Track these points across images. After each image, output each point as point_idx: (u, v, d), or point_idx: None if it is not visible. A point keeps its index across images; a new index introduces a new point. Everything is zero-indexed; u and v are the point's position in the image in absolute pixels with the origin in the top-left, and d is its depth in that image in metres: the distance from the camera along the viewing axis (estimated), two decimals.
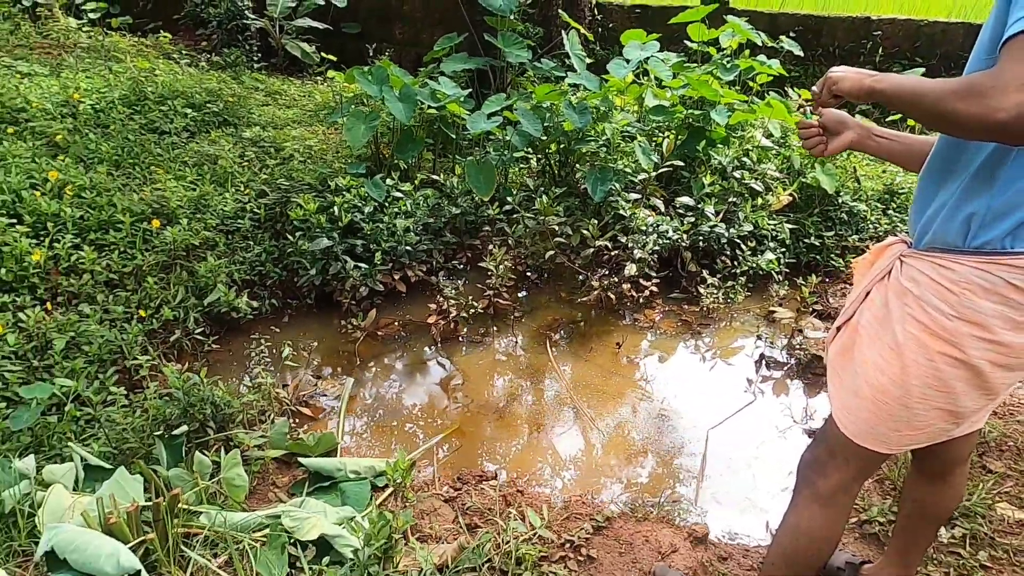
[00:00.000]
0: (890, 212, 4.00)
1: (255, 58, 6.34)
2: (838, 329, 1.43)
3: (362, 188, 3.44)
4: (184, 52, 6.14)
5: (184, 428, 2.18)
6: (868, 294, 1.37)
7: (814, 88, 1.41)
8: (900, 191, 4.10)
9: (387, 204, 3.53)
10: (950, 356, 1.21)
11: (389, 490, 2.22)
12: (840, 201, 3.94)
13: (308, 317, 3.33)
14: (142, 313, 2.80)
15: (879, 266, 1.37)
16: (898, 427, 1.31)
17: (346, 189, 3.45)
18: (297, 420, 2.60)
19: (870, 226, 3.89)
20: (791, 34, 5.80)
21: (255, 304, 3.14)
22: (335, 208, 3.33)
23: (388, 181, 3.60)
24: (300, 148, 4.09)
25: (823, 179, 3.84)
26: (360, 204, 3.41)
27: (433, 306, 3.24)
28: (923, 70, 4.90)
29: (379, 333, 3.22)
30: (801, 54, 5.30)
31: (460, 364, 3.07)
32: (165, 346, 2.86)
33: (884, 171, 4.31)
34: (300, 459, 2.23)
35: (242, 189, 3.58)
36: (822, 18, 6.31)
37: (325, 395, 2.77)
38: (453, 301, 3.14)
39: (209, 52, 6.82)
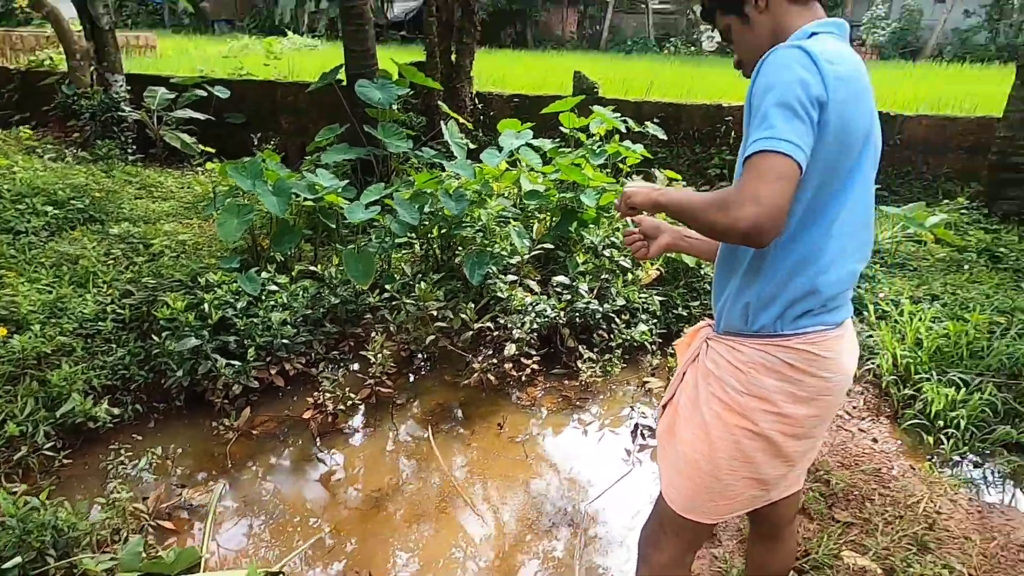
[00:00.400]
0: None
1: (130, 150, 6.19)
2: (663, 408, 1.54)
3: (235, 283, 3.38)
4: (49, 146, 5.91)
5: (17, 560, 1.99)
6: (684, 375, 1.50)
7: (617, 202, 1.57)
8: None
9: (263, 298, 3.48)
10: (747, 429, 1.34)
11: None
12: (702, 273, 4.24)
13: (177, 420, 3.17)
14: None
15: (692, 348, 1.50)
16: (714, 498, 1.41)
17: (218, 285, 3.38)
18: (157, 536, 2.44)
19: None
20: (655, 120, 6.32)
21: (116, 411, 2.97)
22: (205, 305, 3.24)
23: (264, 274, 3.56)
24: (172, 243, 3.99)
25: (685, 255, 4.13)
26: (233, 299, 3.34)
27: (311, 400, 3.17)
28: None
29: (254, 432, 3.11)
30: (665, 138, 5.79)
31: (340, 459, 2.99)
32: (8, 465, 2.63)
33: None
34: None
35: (105, 289, 3.43)
36: (681, 105, 6.93)
37: (191, 505, 2.62)
38: (330, 394, 3.09)
39: (80, 145, 6.61)
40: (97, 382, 3.03)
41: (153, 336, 3.18)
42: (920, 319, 3.65)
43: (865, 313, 3.92)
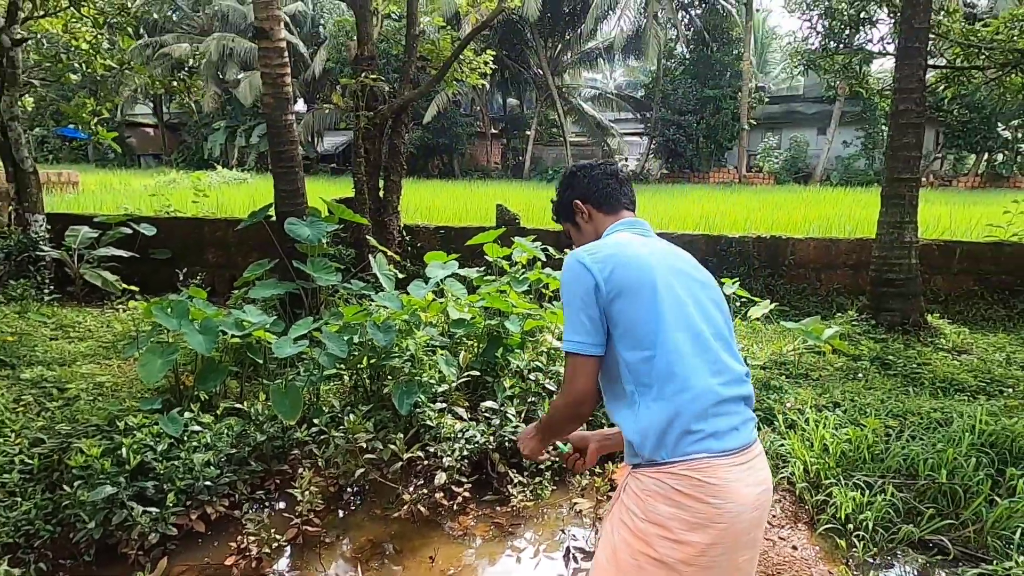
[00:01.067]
0: None
1: (47, 290, 6.06)
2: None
3: (155, 426, 3.31)
4: None
5: None
6: (614, 505, 1.64)
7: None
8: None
9: (185, 439, 3.40)
10: (646, 555, 1.47)
11: None
12: None
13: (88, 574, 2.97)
14: None
15: (622, 481, 1.65)
16: None
17: (138, 427, 3.30)
18: None
19: None
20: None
21: (16, 573, 2.77)
22: (123, 450, 3.15)
23: (187, 414, 3.50)
24: (88, 386, 3.89)
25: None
26: (153, 442, 3.26)
27: (233, 545, 3.05)
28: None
29: None
30: None
31: None
32: None
33: None
34: None
35: (12, 438, 3.28)
36: None
37: None
38: (253, 537, 3.00)
39: None
40: None
41: (63, 487, 3.04)
42: (824, 426, 3.91)
43: (776, 423, 4.17)
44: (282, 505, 3.56)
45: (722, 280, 6.11)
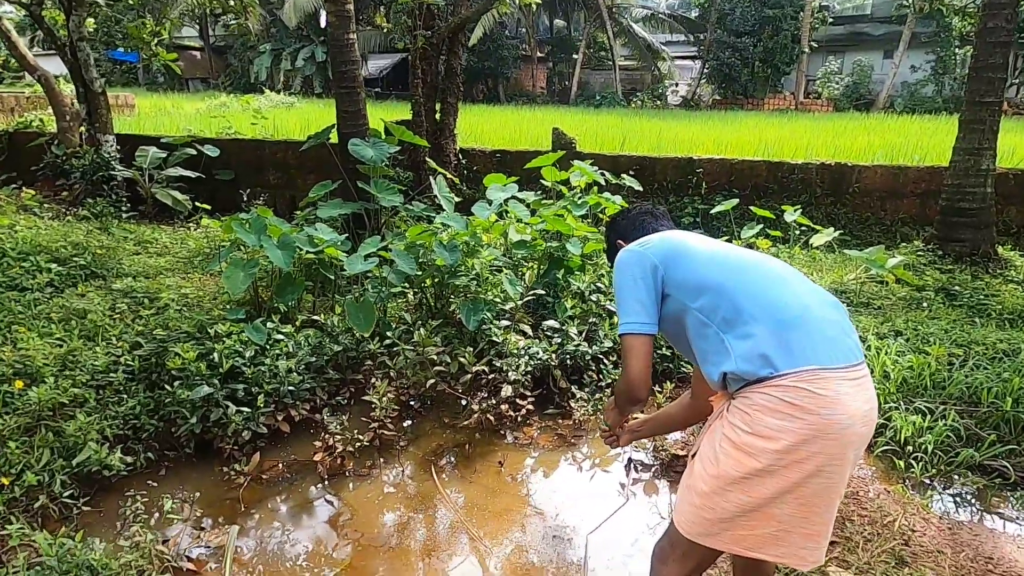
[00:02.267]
0: None
1: (123, 207, 6.33)
2: (691, 458, 1.77)
3: (243, 333, 3.53)
4: (46, 205, 6.04)
5: None
6: (711, 427, 1.73)
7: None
8: None
9: (268, 347, 3.62)
10: (752, 467, 1.56)
11: None
12: None
13: (187, 468, 3.26)
14: (3, 480, 2.66)
15: (719, 407, 1.74)
16: (720, 528, 1.62)
17: (226, 335, 3.52)
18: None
19: None
20: (631, 172, 6.69)
21: (129, 460, 3.06)
22: (215, 354, 3.38)
23: (269, 324, 3.71)
24: (176, 297, 4.12)
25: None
26: (241, 349, 3.48)
27: (319, 443, 3.30)
28: (736, 200, 5.83)
29: (263, 476, 3.21)
30: (640, 189, 6.13)
31: (348, 500, 3.11)
32: (28, 514, 2.71)
33: None
34: None
35: (114, 342, 3.55)
36: (655, 159, 7.33)
37: (208, 547, 2.71)
38: (339, 436, 3.23)
39: (70, 203, 6.74)
40: (110, 432, 3.13)
41: (164, 386, 3.30)
42: (886, 353, 3.92)
43: None
44: (358, 410, 3.79)
45: (783, 208, 6.01)
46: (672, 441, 3.51)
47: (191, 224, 6.40)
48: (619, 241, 2.04)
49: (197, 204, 6.43)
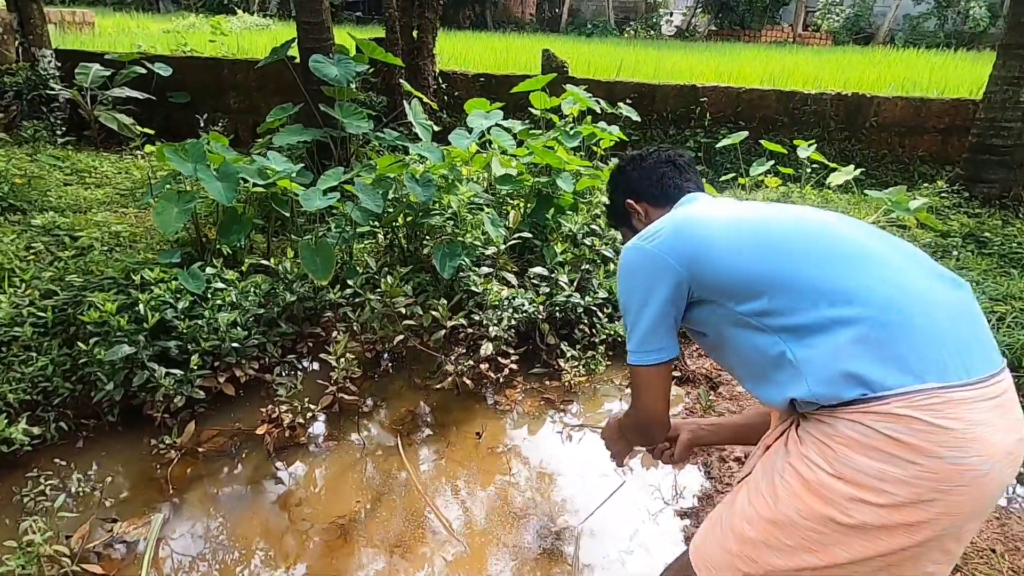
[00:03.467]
0: None
1: (59, 132, 5.63)
2: (739, 483, 1.30)
3: (175, 281, 2.99)
4: None
5: None
6: (767, 448, 1.25)
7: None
8: None
9: (208, 296, 3.10)
10: (828, 517, 1.08)
11: None
12: None
13: (109, 439, 2.79)
14: None
15: (779, 428, 1.25)
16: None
17: (155, 282, 2.98)
18: None
19: None
20: (627, 101, 6.06)
21: (36, 431, 2.57)
22: (140, 306, 2.85)
23: (209, 269, 3.17)
24: (103, 236, 3.56)
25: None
26: (172, 299, 2.95)
27: (265, 411, 2.82)
28: (745, 133, 5.26)
29: (200, 450, 2.74)
30: (639, 119, 5.53)
31: (300, 478, 2.66)
32: None
33: None
34: None
35: (23, 289, 3.00)
36: (655, 86, 6.68)
37: (125, 541, 2.26)
38: (286, 405, 2.75)
39: (7, 127, 6.01)
40: (13, 397, 2.63)
41: (79, 343, 2.78)
42: None
43: None
44: (316, 368, 3.32)
45: (795, 142, 5.45)
46: (678, 411, 3.08)
47: (137, 152, 5.73)
48: (629, 201, 1.56)
49: (145, 130, 5.74)
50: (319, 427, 2.96)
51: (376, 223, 3.87)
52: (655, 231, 1.31)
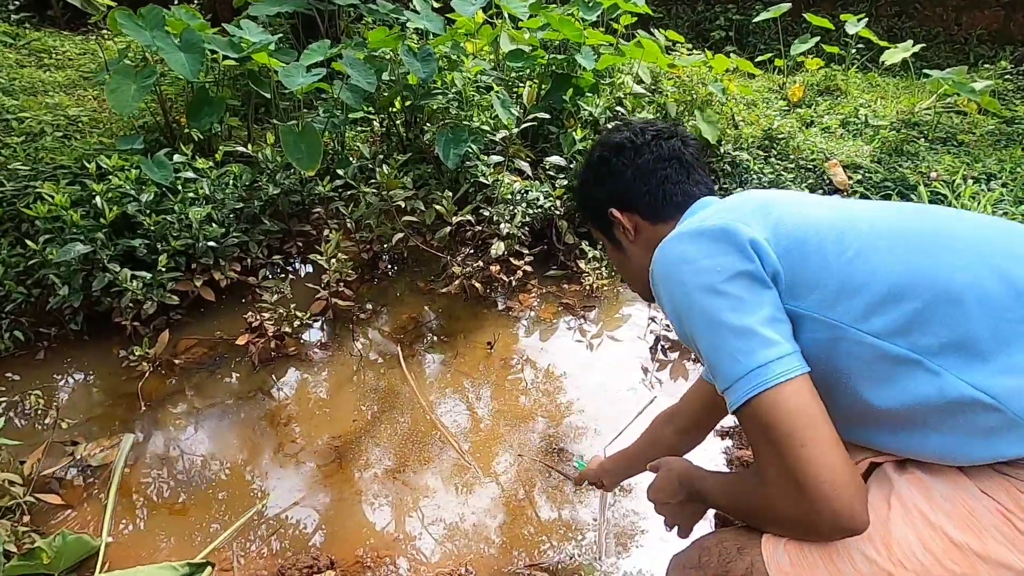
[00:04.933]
0: (771, 160, 3.67)
1: (11, 6, 5.02)
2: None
3: (135, 170, 2.58)
4: None
5: None
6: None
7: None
8: (779, 136, 3.79)
9: (179, 188, 2.69)
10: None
11: None
12: (722, 151, 3.55)
13: (74, 349, 2.47)
14: None
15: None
16: None
17: (114, 170, 2.57)
18: (40, 515, 1.81)
19: (753, 177, 3.54)
20: None
21: None
22: (97, 198, 2.45)
23: (177, 157, 2.75)
24: (59, 120, 3.11)
25: (704, 127, 3.42)
26: (135, 191, 2.55)
27: (248, 319, 2.49)
28: (788, 5, 4.62)
29: (176, 362, 2.43)
30: None
31: (290, 393, 2.36)
32: None
33: (761, 116, 3.98)
34: None
35: None
36: None
37: (88, 467, 1.98)
38: (268, 314, 2.41)
39: None
40: None
41: (29, 241, 2.41)
42: (981, 204, 3.06)
43: (914, 197, 3.31)
44: (309, 272, 2.97)
45: (843, 16, 4.81)
46: None
47: (105, 32, 5.12)
48: (614, 212, 1.15)
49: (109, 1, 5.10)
50: (311, 336, 2.64)
51: (370, 109, 3.40)
52: (718, 211, 0.97)
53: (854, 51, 5.02)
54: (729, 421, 2.26)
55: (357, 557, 1.74)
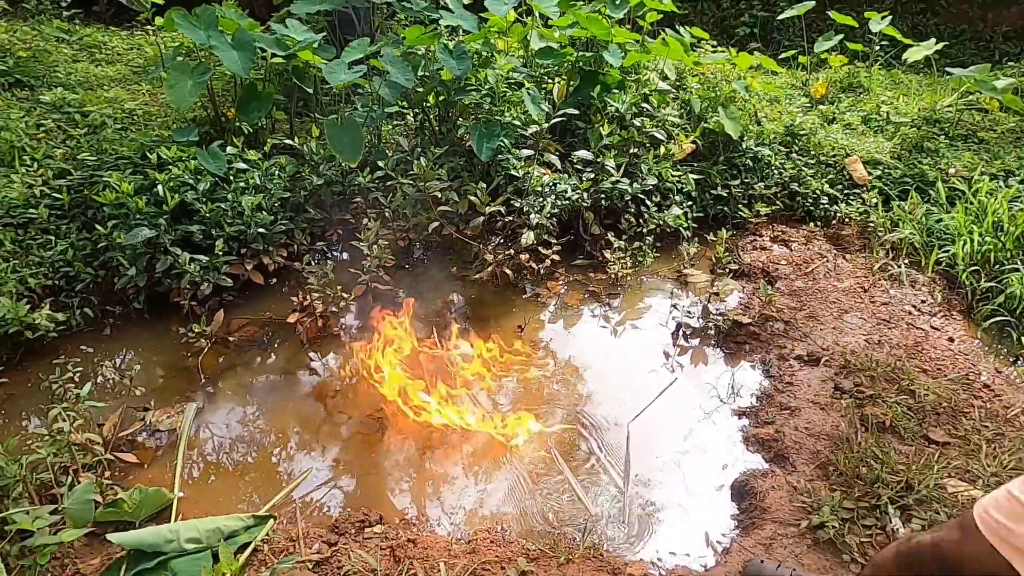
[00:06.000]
0: (793, 156, 3.77)
1: (64, 3, 5.25)
2: None
3: (193, 160, 2.77)
4: None
5: None
6: None
7: None
8: (800, 132, 3.89)
9: (231, 178, 2.88)
10: None
11: (243, 557, 1.70)
12: (744, 147, 3.66)
13: (137, 326, 2.68)
14: None
15: None
16: None
17: (173, 162, 2.77)
18: (118, 472, 2.01)
19: (775, 172, 3.65)
20: None
21: (60, 317, 2.46)
22: (159, 187, 2.65)
23: (230, 149, 2.94)
24: (116, 113, 3.32)
25: (727, 123, 3.54)
26: (192, 180, 2.74)
27: (296, 299, 2.67)
28: (812, 3, 4.70)
29: (231, 339, 2.63)
30: None
31: (334, 369, 2.55)
32: None
33: (783, 112, 4.08)
34: (111, 537, 1.65)
35: (35, 169, 2.81)
36: None
37: (158, 430, 2.18)
38: (317, 294, 2.59)
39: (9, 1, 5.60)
40: (35, 282, 2.50)
41: (98, 226, 2.61)
42: (998, 199, 3.15)
43: (932, 193, 3.41)
44: (346, 258, 3.15)
45: (867, 14, 4.87)
46: (733, 307, 2.87)
47: (148, 28, 5.34)
48: None
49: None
50: (353, 318, 2.82)
51: (405, 104, 3.57)
52: None
53: (877, 48, 5.08)
54: (746, 402, 2.40)
55: (402, 514, 1.91)
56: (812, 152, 3.78)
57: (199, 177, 2.77)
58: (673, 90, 3.91)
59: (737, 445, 2.21)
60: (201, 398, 2.35)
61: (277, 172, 3.01)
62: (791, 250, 3.33)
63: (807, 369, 2.49)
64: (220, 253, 2.62)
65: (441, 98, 3.52)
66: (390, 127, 3.70)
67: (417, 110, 3.67)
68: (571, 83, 3.67)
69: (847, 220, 3.45)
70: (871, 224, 3.34)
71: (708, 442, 2.23)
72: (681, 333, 2.79)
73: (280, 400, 2.38)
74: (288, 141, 3.13)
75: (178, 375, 2.45)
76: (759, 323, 2.72)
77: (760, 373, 2.54)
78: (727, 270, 3.13)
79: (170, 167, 2.73)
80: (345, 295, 2.66)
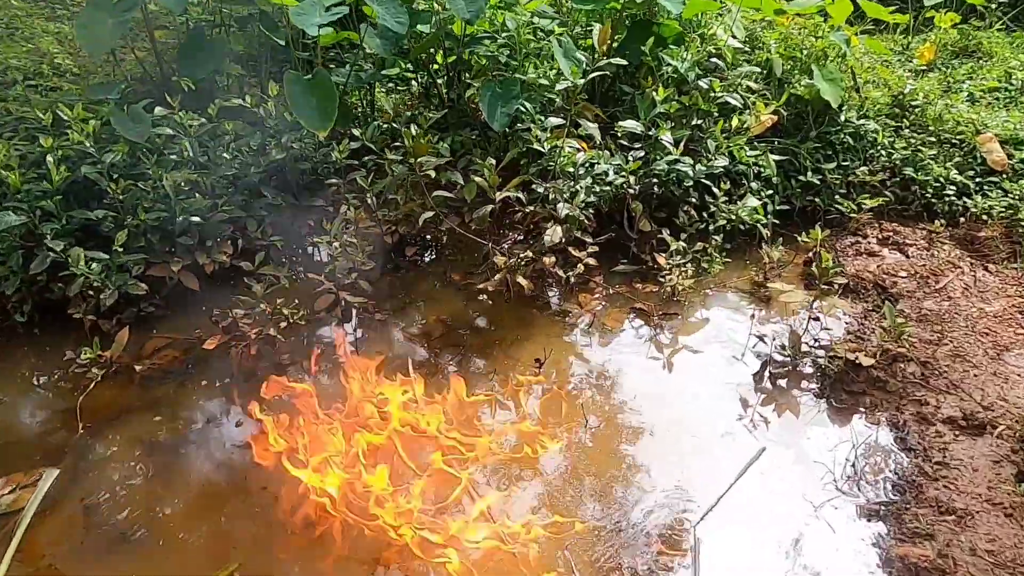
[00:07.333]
0: (904, 132, 2.90)
1: None
2: None
3: (102, 122, 2.05)
4: None
5: None
6: None
7: None
8: (912, 103, 3.01)
9: (163, 151, 2.16)
10: None
11: None
12: (842, 119, 2.80)
13: (17, 348, 1.98)
14: None
15: None
16: None
17: (74, 122, 2.05)
18: None
19: (882, 153, 2.79)
20: None
21: None
22: (48, 156, 1.94)
23: (159, 110, 2.22)
24: (42, 68, 2.63)
25: (823, 87, 2.69)
26: (95, 149, 2.02)
27: (231, 316, 1.93)
28: None
29: (138, 368, 1.91)
30: None
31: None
32: None
33: (887, 79, 3.19)
34: None
35: None
36: None
37: None
38: (245, 317, 1.85)
39: None
40: None
41: None
42: None
43: None
44: (315, 258, 2.41)
45: None
46: (839, 336, 2.04)
47: None
48: None
49: None
50: (313, 336, 2.08)
51: (409, 66, 2.81)
52: None
53: (995, 6, 4.13)
54: (877, 492, 1.58)
55: None
56: (930, 128, 2.91)
57: (111, 147, 2.05)
58: (746, 48, 3.06)
59: (874, 572, 1.39)
60: (70, 459, 1.63)
61: (227, 145, 2.28)
62: (908, 257, 2.48)
63: (966, 440, 1.66)
64: (120, 248, 1.90)
65: (451, 58, 2.75)
66: (385, 94, 2.94)
67: (423, 72, 2.90)
68: (618, 34, 2.85)
69: (983, 217, 2.58)
70: (1021, 223, 2.47)
71: (823, 562, 1.42)
72: (767, 373, 1.97)
73: (188, 462, 1.65)
74: (238, 100, 2.38)
75: (49, 421, 1.74)
76: (884, 364, 1.89)
77: (892, 442, 1.71)
78: (832, 285, 2.27)
79: (67, 130, 2.01)
80: (289, 311, 1.91)
